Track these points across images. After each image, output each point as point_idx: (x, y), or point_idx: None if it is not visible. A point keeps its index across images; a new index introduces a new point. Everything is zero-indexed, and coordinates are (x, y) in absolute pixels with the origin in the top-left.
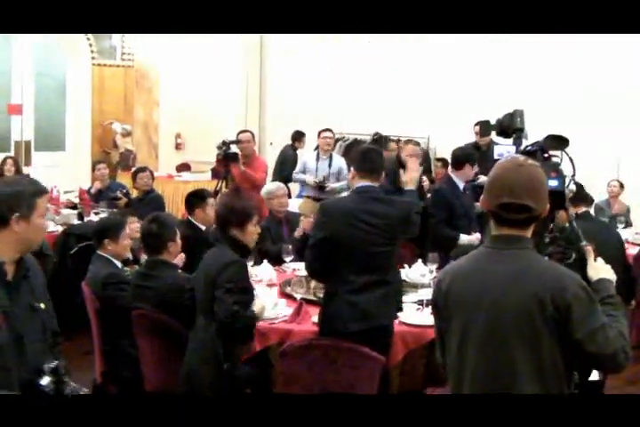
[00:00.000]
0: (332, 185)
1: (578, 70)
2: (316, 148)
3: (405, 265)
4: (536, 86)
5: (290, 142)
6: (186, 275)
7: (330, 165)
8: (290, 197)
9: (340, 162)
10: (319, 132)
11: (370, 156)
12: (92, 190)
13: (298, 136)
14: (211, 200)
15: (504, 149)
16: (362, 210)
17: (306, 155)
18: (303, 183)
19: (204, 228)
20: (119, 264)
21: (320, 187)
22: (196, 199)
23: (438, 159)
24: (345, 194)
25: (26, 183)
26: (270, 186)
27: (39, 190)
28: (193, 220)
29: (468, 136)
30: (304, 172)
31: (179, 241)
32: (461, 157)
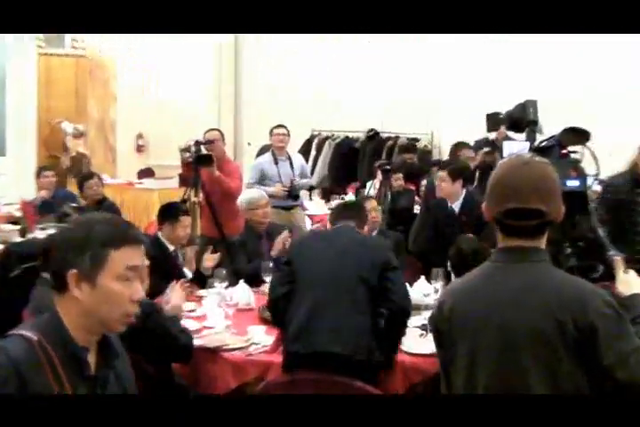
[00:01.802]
0: (300, 181)
1: (579, 69)
2: (261, 149)
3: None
4: (539, 83)
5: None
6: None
7: (292, 166)
8: None
9: (300, 160)
10: (270, 130)
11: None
12: (37, 201)
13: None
14: (186, 220)
15: (515, 146)
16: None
17: (259, 160)
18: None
19: (171, 248)
20: None
21: (290, 194)
22: (168, 214)
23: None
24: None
25: (99, 222)
26: (252, 194)
27: (116, 237)
28: (160, 236)
29: (477, 131)
30: (261, 181)
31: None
32: (455, 171)
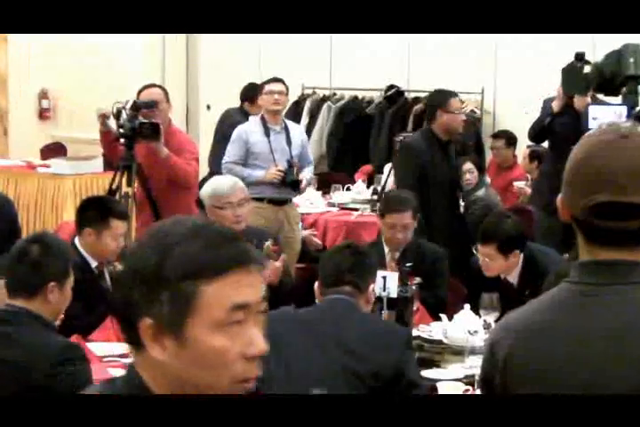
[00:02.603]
0: (303, 175)
1: None
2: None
3: (442, 315)
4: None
5: (238, 104)
6: (65, 341)
7: (289, 141)
8: None
9: (300, 133)
10: (260, 86)
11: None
12: None
13: (252, 93)
14: (119, 226)
15: (606, 111)
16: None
17: (241, 128)
18: (248, 180)
19: (93, 264)
20: None
21: (285, 181)
22: (92, 215)
23: (498, 134)
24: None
25: (183, 238)
26: (220, 183)
27: (208, 261)
28: (78, 245)
29: (550, 86)
30: (246, 158)
31: (68, 286)
32: (507, 243)
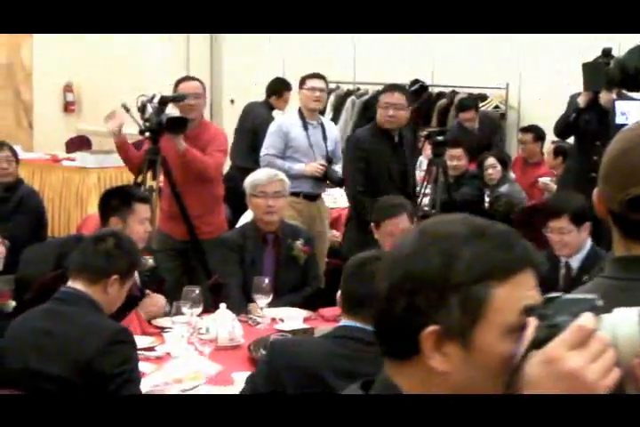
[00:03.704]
0: (336, 168)
1: None
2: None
3: None
4: None
5: (263, 99)
6: (119, 325)
7: (325, 137)
8: None
9: (334, 130)
10: (302, 80)
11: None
12: None
13: (279, 88)
14: (142, 210)
15: (631, 106)
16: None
17: (283, 120)
18: (289, 174)
19: None
20: None
21: (326, 176)
22: (115, 202)
23: (527, 128)
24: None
25: (471, 237)
26: (260, 173)
27: (502, 261)
28: None
29: (575, 83)
30: (284, 151)
31: (126, 287)
32: (580, 212)
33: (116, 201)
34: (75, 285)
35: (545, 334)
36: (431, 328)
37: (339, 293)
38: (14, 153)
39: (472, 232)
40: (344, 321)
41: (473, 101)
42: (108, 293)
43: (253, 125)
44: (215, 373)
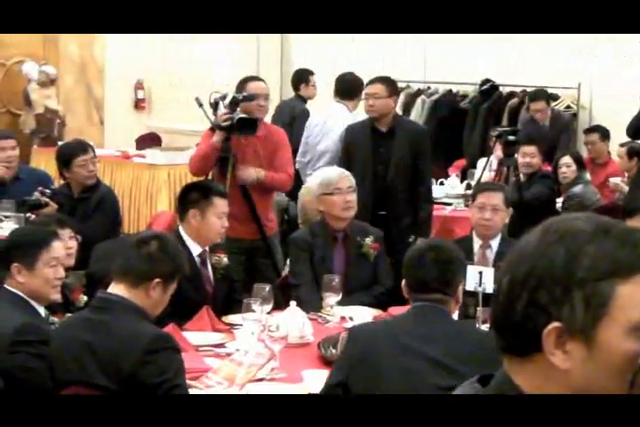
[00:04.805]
0: None
1: None
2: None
3: None
4: None
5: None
6: (157, 331)
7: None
8: None
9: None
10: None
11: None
12: None
13: (303, 74)
14: (219, 201)
15: None
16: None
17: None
18: None
19: (195, 252)
20: (42, 310)
21: None
22: (195, 195)
23: (591, 129)
24: None
25: (594, 235)
26: (328, 171)
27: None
28: (182, 233)
29: None
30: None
31: (169, 291)
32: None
33: (195, 194)
34: (116, 288)
35: None
36: (553, 325)
37: (403, 282)
38: (95, 153)
39: (597, 230)
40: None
41: (544, 93)
42: (150, 296)
43: (290, 119)
44: (284, 370)
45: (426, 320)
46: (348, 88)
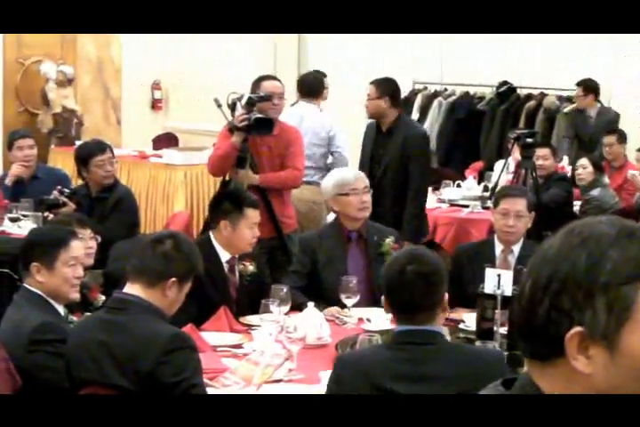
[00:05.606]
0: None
1: None
2: None
3: None
4: None
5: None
6: (174, 331)
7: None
8: None
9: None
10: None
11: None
12: (7, 181)
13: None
14: (251, 212)
15: None
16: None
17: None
18: None
19: (224, 258)
20: (61, 309)
21: None
22: (229, 206)
23: (610, 131)
24: None
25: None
26: (343, 171)
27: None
28: (212, 239)
29: None
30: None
31: (184, 291)
32: None
33: (228, 205)
34: (132, 288)
35: None
36: (576, 330)
37: (383, 298)
38: (114, 154)
39: (620, 233)
40: (399, 327)
41: (593, 82)
42: (166, 296)
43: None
44: (302, 371)
45: (414, 355)
46: (315, 88)
